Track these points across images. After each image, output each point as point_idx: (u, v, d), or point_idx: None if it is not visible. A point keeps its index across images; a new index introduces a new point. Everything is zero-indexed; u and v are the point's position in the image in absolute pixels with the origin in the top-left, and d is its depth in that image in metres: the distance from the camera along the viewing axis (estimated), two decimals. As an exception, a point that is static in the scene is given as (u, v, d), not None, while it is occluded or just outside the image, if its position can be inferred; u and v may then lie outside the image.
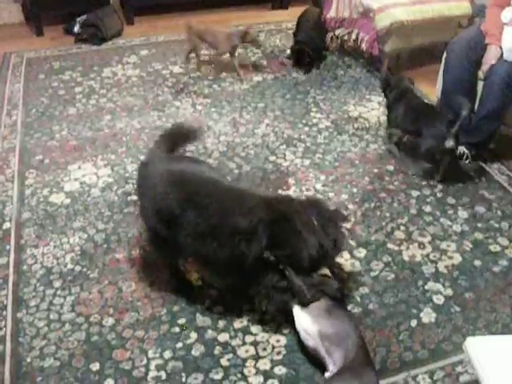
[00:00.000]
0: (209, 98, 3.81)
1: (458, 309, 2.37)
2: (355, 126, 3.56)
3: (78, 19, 4.60)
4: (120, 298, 2.36)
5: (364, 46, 4.08)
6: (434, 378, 2.10)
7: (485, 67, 3.08)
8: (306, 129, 3.51)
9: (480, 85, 3.16)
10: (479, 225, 2.81)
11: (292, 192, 2.96)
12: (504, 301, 2.41)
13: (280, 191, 2.96)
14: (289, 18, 5.01)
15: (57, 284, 2.42)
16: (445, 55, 3.28)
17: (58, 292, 2.39)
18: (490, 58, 3.06)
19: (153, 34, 4.73)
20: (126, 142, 3.34)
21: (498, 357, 1.36)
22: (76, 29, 4.59)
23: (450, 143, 2.92)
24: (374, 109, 3.76)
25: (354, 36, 4.20)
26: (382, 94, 3.46)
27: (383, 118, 3.55)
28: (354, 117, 3.66)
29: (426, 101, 3.44)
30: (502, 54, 3.04)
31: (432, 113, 3.13)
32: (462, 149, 3.22)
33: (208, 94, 3.85)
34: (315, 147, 3.34)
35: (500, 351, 1.38)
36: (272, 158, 3.23)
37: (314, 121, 3.59)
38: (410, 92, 3.28)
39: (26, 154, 3.22)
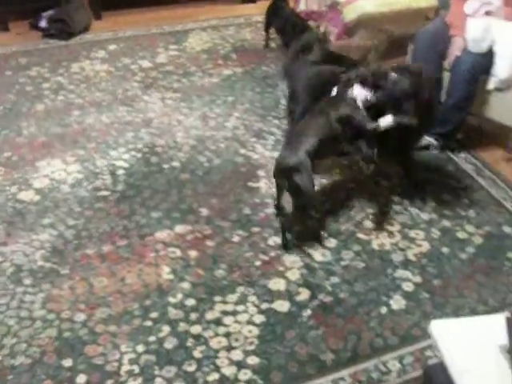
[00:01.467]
0: (178, 92, 3.80)
1: (426, 295, 2.41)
2: (325, 118, 3.58)
3: (45, 14, 4.54)
4: (91, 294, 2.35)
5: (333, 39, 4.10)
6: (404, 362, 2.14)
7: (450, 58, 3.13)
8: (276, 121, 3.53)
9: (447, 76, 3.22)
10: (447, 213, 2.86)
11: (262, 184, 2.98)
12: (471, 286, 2.46)
13: (250, 184, 2.98)
14: (258, 11, 5.01)
15: (27, 281, 2.40)
16: (411, 47, 3.32)
17: (29, 289, 2.37)
18: (454, 50, 3.11)
19: (121, 29, 4.69)
20: (96, 137, 3.32)
21: (461, 339, 1.40)
22: (43, 24, 4.53)
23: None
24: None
25: (322, 29, 4.22)
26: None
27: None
28: (323, 109, 3.68)
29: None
30: (466, 46, 3.09)
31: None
32: (429, 139, 3.27)
33: (177, 89, 3.84)
34: (285, 139, 3.35)
35: (463, 333, 1.42)
36: (242, 151, 3.24)
37: (284, 113, 3.60)
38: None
39: (-7, 151, 3.18)
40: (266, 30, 4.38)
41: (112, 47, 4.39)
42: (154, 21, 4.82)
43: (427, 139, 3.26)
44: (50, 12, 4.54)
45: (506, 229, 2.78)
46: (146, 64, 4.15)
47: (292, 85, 3.21)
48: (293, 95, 3.16)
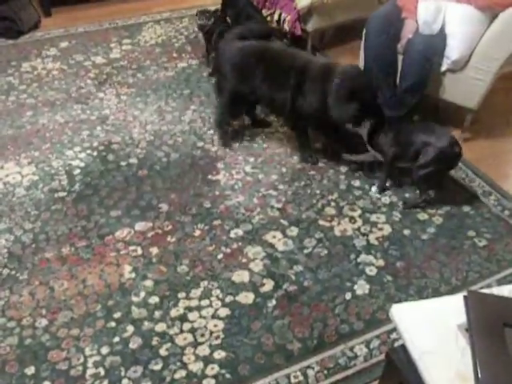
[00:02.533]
0: (133, 87, 3.73)
1: (390, 278, 2.44)
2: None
3: (-10, 13, 4.39)
4: (52, 298, 2.31)
5: (287, 27, 4.08)
6: (371, 346, 2.17)
7: (403, 41, 3.14)
8: (234, 112, 3.49)
9: (400, 59, 3.23)
10: (406, 195, 2.89)
11: (221, 176, 2.96)
12: (433, 266, 2.50)
13: (210, 176, 2.95)
14: (211, 1, 4.94)
15: (-16, 289, 2.34)
16: (364, 31, 3.32)
17: (-13, 297, 2.31)
18: (407, 32, 3.13)
19: (72, 25, 4.56)
20: (50, 137, 3.24)
21: (421, 320, 1.40)
22: (-11, 23, 4.38)
23: None
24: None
25: (276, 17, 4.19)
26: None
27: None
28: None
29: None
30: (418, 28, 3.11)
31: None
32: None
33: (132, 84, 3.77)
34: (243, 129, 3.34)
35: (423, 315, 1.42)
36: (200, 144, 3.21)
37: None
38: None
39: None
40: (224, 18, 4.30)
41: (64, 44, 4.28)
42: (106, 15, 4.72)
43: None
44: (-5, 10, 4.40)
45: (466, 208, 2.82)
46: (99, 60, 4.06)
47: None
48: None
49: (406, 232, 2.67)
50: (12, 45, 4.27)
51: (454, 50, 3.04)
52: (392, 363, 1.49)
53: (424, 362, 1.30)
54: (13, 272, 2.42)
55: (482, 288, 2.34)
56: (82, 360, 2.08)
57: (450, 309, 1.43)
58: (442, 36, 3.08)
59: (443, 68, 3.13)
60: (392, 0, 3.35)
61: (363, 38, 3.34)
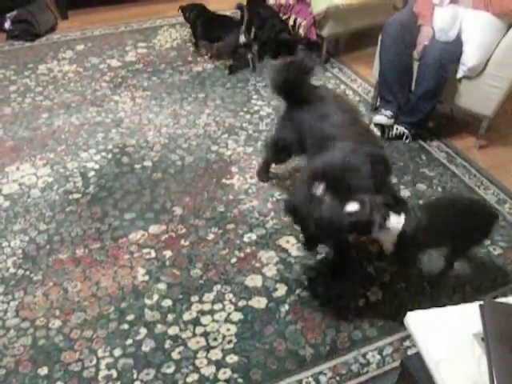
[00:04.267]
0: (148, 90, 3.75)
1: (403, 285, 2.42)
2: (296, 111, 3.57)
3: (9, 15, 4.43)
4: (66, 299, 2.32)
5: (302, 32, 4.09)
6: (384, 353, 2.15)
7: (419, 48, 3.15)
8: (248, 116, 3.50)
9: (416, 65, 3.23)
10: (421, 202, 2.87)
11: (235, 180, 2.96)
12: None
13: (224, 180, 2.96)
14: (227, 6, 4.95)
15: (-1, 290, 2.36)
16: (380, 37, 3.32)
17: (1, 298, 2.32)
18: (423, 39, 3.13)
19: (88, 28, 4.61)
20: (65, 139, 3.26)
21: (436, 329, 1.40)
22: (7, 25, 4.42)
23: (242, 39, 3.85)
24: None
25: (291, 22, 4.20)
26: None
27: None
28: (295, 102, 3.67)
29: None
30: (434, 35, 3.11)
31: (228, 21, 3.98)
32: (401, 129, 3.28)
33: (147, 87, 3.79)
34: (257, 134, 3.34)
35: (438, 323, 1.42)
36: (214, 148, 3.21)
37: (256, 108, 3.59)
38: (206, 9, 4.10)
39: (-40, 158, 3.11)
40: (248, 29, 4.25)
41: (80, 47, 4.32)
42: (121, 19, 4.75)
43: (399, 128, 3.28)
44: (13, 13, 4.44)
45: (480, 215, 2.80)
46: (114, 63, 4.09)
47: None
48: None
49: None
50: (29, 47, 4.31)
51: (470, 57, 3.03)
52: (407, 371, 1.48)
53: (439, 371, 1.30)
54: (27, 273, 2.43)
55: (496, 296, 2.30)
56: (94, 362, 2.09)
57: (466, 317, 1.42)
58: (458, 43, 3.07)
59: (459, 75, 3.12)
60: (408, 6, 3.36)
61: (379, 44, 3.34)
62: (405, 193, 2.92)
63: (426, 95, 3.17)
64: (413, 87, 3.25)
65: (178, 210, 2.76)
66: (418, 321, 1.43)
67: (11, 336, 2.17)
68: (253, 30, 4.01)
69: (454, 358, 1.32)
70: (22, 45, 4.34)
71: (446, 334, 1.39)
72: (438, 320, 1.43)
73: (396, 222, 2.05)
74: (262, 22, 4.09)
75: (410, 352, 2.13)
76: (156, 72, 3.98)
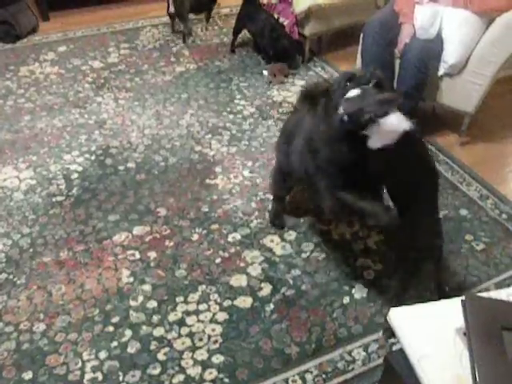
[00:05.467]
0: (131, 91, 3.73)
1: (388, 282, 2.43)
2: (280, 110, 3.58)
3: (-12, 17, 4.40)
4: (50, 302, 2.30)
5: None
6: (369, 350, 2.16)
7: (400, 46, 3.17)
8: (231, 116, 3.50)
9: (397, 63, 3.24)
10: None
11: (219, 180, 2.96)
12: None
13: (208, 181, 2.96)
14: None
15: (-18, 294, 2.34)
16: (361, 36, 3.34)
17: (-16, 302, 2.30)
18: (404, 37, 3.15)
19: (70, 29, 4.57)
20: (48, 141, 3.24)
21: (419, 325, 1.41)
22: (-13, 27, 4.38)
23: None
24: (298, 92, 3.77)
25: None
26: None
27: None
28: (278, 101, 3.68)
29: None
30: (415, 33, 3.12)
31: None
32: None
33: (130, 88, 3.77)
34: (241, 134, 3.34)
35: (421, 319, 1.43)
36: (198, 148, 3.21)
37: (239, 108, 3.59)
38: None
39: None
40: (236, 33, 4.25)
41: (61, 49, 4.28)
42: (103, 20, 4.73)
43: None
44: (-6, 14, 4.40)
45: (463, 211, 2.83)
46: (97, 64, 4.07)
47: None
48: None
49: (404, 236, 2.67)
50: (10, 49, 4.28)
51: (451, 55, 3.05)
52: (390, 367, 1.49)
53: (422, 366, 1.31)
54: (10, 276, 2.41)
55: (479, 291, 2.34)
56: (79, 365, 2.07)
57: (448, 313, 1.43)
58: (438, 40, 3.09)
59: (440, 72, 3.14)
60: (389, 5, 3.38)
61: (360, 43, 3.35)
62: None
63: (408, 93, 3.17)
64: (395, 85, 3.27)
65: (162, 211, 2.75)
66: (400, 317, 1.44)
67: (-5, 341, 2.15)
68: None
69: (437, 353, 1.33)
70: (2, 47, 4.29)
71: (429, 330, 1.40)
72: (421, 316, 1.44)
73: (397, 121, 1.84)
74: (259, 27, 4.04)
75: (395, 348, 2.14)
76: (139, 73, 3.96)
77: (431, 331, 1.39)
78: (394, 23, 3.20)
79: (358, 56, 3.43)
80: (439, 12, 3.09)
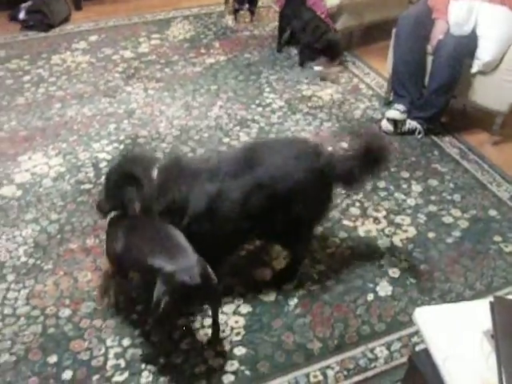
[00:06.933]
0: (161, 81, 3.75)
1: (413, 281, 2.41)
2: (309, 104, 3.57)
3: (23, 5, 4.45)
4: (76, 289, 2.33)
5: (316, 25, 4.06)
6: (392, 349, 2.15)
7: (433, 42, 3.13)
8: (260, 109, 3.50)
9: (430, 60, 3.20)
10: (432, 197, 2.86)
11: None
12: (457, 271, 2.47)
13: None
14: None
15: (10, 278, 2.37)
16: (394, 31, 3.30)
17: (12, 286, 2.34)
18: (437, 33, 3.11)
19: (102, 19, 4.61)
20: (77, 129, 3.27)
21: (445, 325, 1.39)
22: (21, 15, 4.43)
23: None
24: (327, 87, 3.76)
25: (306, 15, 4.17)
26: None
27: (336, 97, 3.61)
28: (307, 96, 3.66)
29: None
30: (449, 29, 3.08)
31: None
32: (414, 124, 3.26)
33: (160, 78, 3.79)
34: (269, 127, 3.33)
35: (447, 319, 1.41)
36: (226, 140, 3.21)
37: (268, 101, 3.58)
38: None
39: (-27, 147, 3.13)
40: (281, 32, 4.15)
41: (93, 38, 4.32)
42: (135, 10, 4.76)
43: (412, 123, 3.26)
44: (28, 3, 4.46)
45: (492, 212, 2.78)
46: (127, 54, 4.09)
47: None
48: None
49: (431, 235, 2.64)
50: (43, 37, 4.33)
51: (485, 52, 3.00)
52: (414, 367, 1.48)
53: (447, 367, 1.29)
54: (38, 262, 2.45)
55: (507, 294, 2.30)
56: (103, 351, 2.10)
57: (475, 314, 1.41)
58: (473, 37, 3.04)
59: (474, 70, 3.09)
60: (423, 0, 3.33)
61: (393, 38, 3.32)
62: (416, 188, 2.90)
63: (440, 90, 3.14)
64: (426, 82, 3.23)
65: (188, 202, 2.76)
66: (426, 316, 1.43)
67: (21, 324, 2.18)
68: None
69: (463, 354, 1.32)
70: (36, 35, 4.35)
71: (455, 331, 1.38)
72: (447, 316, 1.43)
73: None
74: (303, 23, 3.92)
75: (418, 348, 2.12)
76: (169, 63, 3.97)
77: (457, 332, 1.38)
78: (428, 19, 3.16)
79: (390, 51, 3.40)
80: (475, 8, 3.04)
